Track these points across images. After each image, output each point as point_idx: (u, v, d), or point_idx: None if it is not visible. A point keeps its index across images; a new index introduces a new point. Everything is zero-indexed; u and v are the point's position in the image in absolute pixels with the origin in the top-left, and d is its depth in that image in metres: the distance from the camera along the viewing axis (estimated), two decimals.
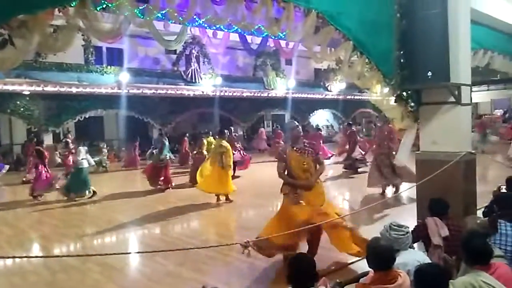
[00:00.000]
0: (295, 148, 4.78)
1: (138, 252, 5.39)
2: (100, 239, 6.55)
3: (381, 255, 2.59)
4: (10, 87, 14.60)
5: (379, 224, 5.47)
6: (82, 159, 9.87)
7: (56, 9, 3.46)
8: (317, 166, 4.89)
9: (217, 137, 9.85)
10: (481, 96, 28.19)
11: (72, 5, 3.43)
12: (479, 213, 5.12)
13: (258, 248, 4.40)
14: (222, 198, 8.82)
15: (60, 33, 3.88)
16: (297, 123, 4.96)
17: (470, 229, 3.14)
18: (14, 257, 5.58)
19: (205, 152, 11.37)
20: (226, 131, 10.08)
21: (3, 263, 5.39)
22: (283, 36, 16.00)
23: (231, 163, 9.19)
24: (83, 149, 10.07)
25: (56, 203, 9.46)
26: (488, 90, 28.63)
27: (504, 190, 5.16)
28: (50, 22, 3.58)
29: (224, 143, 8.96)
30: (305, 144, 4.85)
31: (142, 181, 11.68)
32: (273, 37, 16.89)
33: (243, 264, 4.81)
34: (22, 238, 6.72)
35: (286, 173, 4.80)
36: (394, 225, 3.15)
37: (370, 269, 2.70)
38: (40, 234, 6.97)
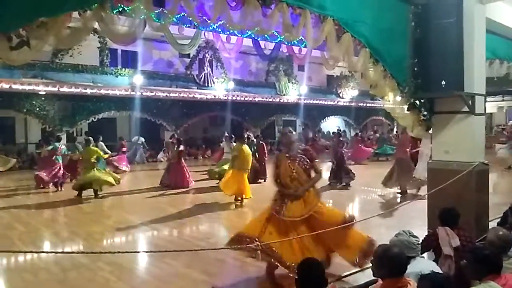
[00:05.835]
0: (287, 155, 4.52)
1: (147, 252, 5.43)
2: (111, 239, 6.62)
3: (395, 261, 2.54)
4: (26, 87, 14.86)
5: (387, 231, 5.44)
6: None
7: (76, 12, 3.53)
8: (311, 174, 4.56)
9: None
10: (495, 106, 27.90)
11: (92, 8, 3.50)
12: (491, 224, 5.06)
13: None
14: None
15: (74, 34, 3.94)
16: (290, 129, 4.67)
17: (489, 241, 3.09)
18: (25, 251, 5.66)
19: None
20: (245, 135, 11.05)
21: (15, 259, 5.49)
22: (296, 42, 16.08)
23: (248, 167, 9.39)
24: None
25: (68, 201, 9.59)
26: (503, 100, 28.28)
27: None
28: (68, 24, 3.64)
29: (237, 147, 9.62)
30: (299, 151, 4.55)
31: (153, 182, 11.80)
32: (286, 43, 16.93)
33: (252, 267, 4.82)
34: (35, 235, 6.83)
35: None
36: (411, 232, 3.14)
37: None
38: (52, 232, 7.08)
